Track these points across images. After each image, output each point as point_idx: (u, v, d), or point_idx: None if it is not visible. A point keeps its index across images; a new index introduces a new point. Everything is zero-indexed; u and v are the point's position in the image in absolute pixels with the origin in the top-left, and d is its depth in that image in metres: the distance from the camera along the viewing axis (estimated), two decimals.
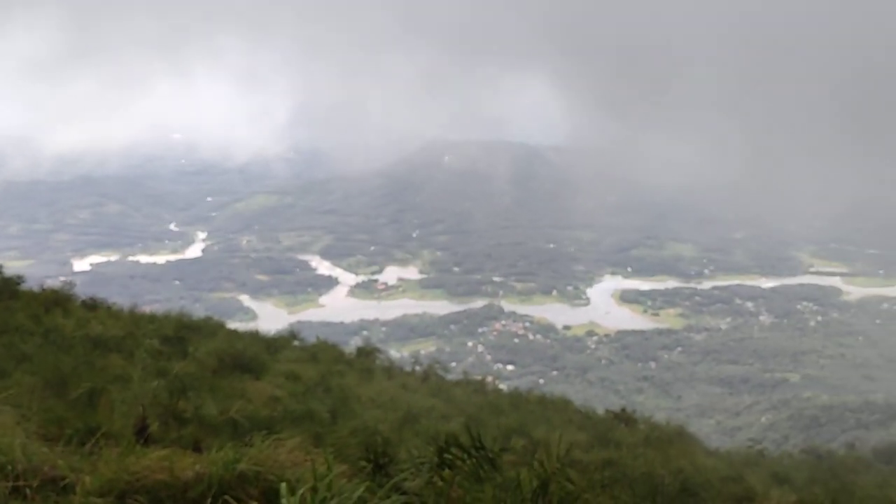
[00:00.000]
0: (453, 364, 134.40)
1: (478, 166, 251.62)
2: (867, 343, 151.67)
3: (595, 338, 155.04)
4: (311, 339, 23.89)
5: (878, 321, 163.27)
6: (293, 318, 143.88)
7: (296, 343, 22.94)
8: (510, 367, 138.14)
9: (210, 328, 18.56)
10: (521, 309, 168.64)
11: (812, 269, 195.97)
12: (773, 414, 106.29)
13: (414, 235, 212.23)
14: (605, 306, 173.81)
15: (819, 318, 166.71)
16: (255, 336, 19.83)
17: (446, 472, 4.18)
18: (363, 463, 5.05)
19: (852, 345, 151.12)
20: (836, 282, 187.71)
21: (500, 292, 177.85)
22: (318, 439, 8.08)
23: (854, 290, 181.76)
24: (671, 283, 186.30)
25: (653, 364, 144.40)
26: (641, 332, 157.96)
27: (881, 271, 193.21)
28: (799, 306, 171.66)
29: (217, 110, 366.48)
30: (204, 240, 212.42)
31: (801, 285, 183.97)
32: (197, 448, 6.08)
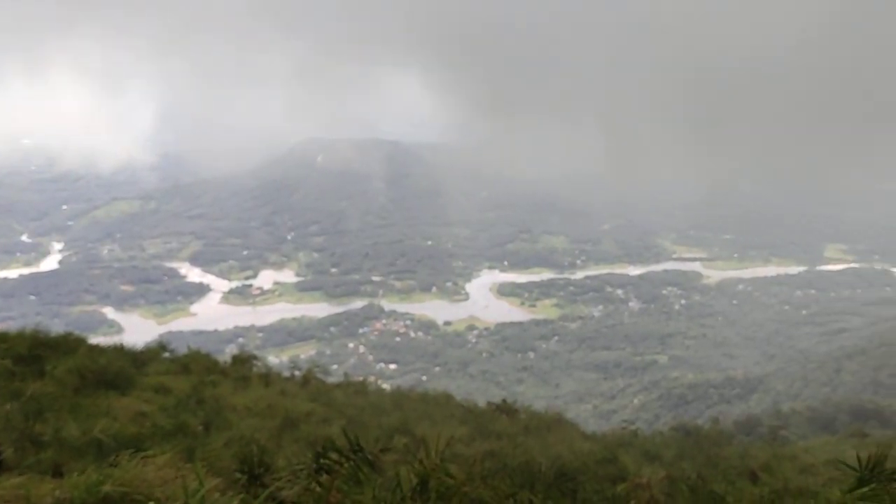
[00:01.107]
0: (334, 367, 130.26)
1: (352, 165, 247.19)
2: (726, 323, 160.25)
3: (475, 332, 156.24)
4: (183, 350, 20.68)
5: (734, 302, 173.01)
6: (163, 329, 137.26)
7: (165, 355, 20.22)
8: (393, 366, 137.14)
9: (70, 344, 16.08)
10: (402, 307, 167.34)
11: (675, 256, 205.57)
12: (645, 395, 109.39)
13: (289, 238, 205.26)
14: (484, 300, 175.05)
15: (683, 301, 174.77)
16: (119, 350, 17.26)
17: (324, 477, 4.02)
18: (238, 475, 4.70)
19: (713, 325, 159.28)
20: (696, 267, 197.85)
21: (380, 292, 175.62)
22: (190, 454, 7.55)
23: (713, 274, 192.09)
24: (546, 275, 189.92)
25: (532, 354, 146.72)
26: (520, 324, 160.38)
27: (736, 255, 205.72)
28: (664, 291, 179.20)
29: (74, 114, 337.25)
30: (60, 251, 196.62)
31: (666, 271, 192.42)
32: (57, 473, 5.99)
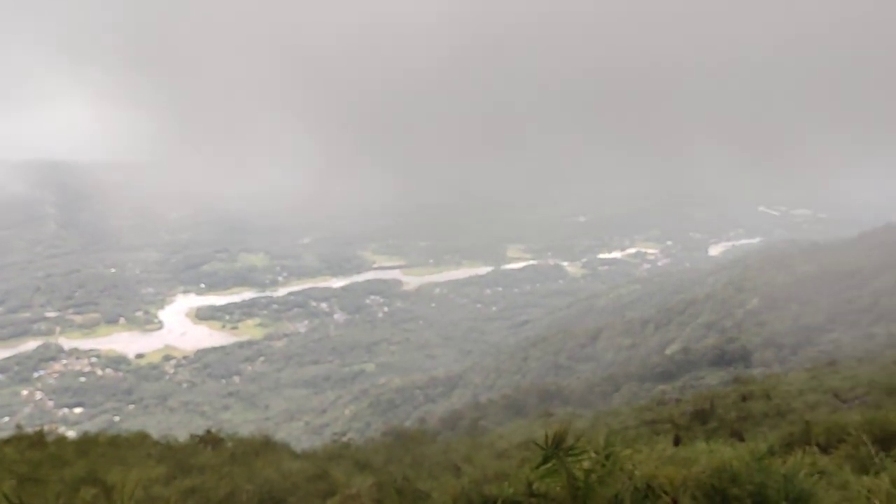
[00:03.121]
0: (5, 419, 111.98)
1: (14, 190, 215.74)
2: (426, 325, 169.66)
3: (173, 362, 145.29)
4: None
5: (433, 305, 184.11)
6: None
7: None
8: (78, 410, 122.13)
9: None
10: (85, 343, 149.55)
11: (376, 266, 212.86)
12: (356, 405, 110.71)
13: None
14: (180, 327, 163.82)
15: (386, 308, 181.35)
16: None
17: None
18: None
19: (415, 329, 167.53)
20: (396, 274, 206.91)
21: (57, 328, 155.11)
22: None
23: (412, 280, 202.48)
24: (247, 294, 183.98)
25: (237, 378, 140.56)
26: (222, 348, 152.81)
27: (432, 260, 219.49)
28: (368, 301, 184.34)
29: None
30: None
31: (368, 281, 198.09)
32: None
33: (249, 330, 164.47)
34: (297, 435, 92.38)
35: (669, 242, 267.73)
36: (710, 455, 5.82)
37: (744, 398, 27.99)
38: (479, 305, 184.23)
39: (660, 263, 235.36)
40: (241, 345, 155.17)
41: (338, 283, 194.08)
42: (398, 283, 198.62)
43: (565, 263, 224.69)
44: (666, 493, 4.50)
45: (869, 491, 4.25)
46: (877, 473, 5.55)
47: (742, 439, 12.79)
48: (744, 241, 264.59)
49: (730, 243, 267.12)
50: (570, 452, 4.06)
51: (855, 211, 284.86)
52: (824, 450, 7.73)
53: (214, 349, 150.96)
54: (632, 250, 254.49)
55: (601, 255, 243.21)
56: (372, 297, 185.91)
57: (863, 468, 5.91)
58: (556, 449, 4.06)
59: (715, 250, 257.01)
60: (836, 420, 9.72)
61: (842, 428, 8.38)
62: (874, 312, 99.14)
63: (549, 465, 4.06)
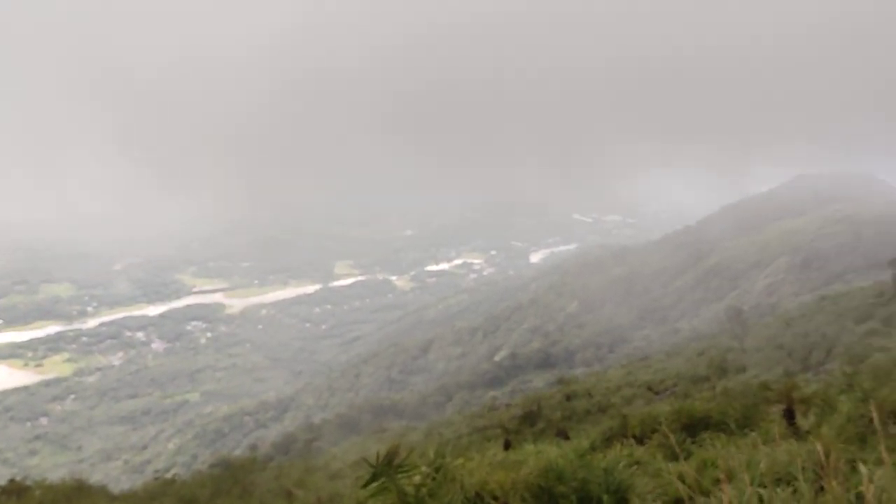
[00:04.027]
0: None
1: None
2: (254, 349, 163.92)
3: None
4: None
5: (260, 327, 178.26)
6: None
7: None
8: None
9: None
10: None
11: (196, 290, 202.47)
12: (180, 437, 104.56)
13: None
14: None
15: (209, 334, 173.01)
16: None
17: None
18: None
19: (241, 353, 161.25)
20: (219, 297, 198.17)
21: None
22: None
23: (236, 303, 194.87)
24: (52, 328, 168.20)
25: (44, 420, 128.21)
26: (25, 389, 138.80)
27: (256, 281, 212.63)
28: (189, 327, 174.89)
29: None
30: None
31: (189, 306, 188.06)
32: None
33: (56, 366, 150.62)
34: (116, 476, 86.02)
35: (493, 252, 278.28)
36: (537, 456, 5.96)
37: (568, 398, 29.54)
38: (308, 324, 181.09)
39: (485, 273, 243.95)
40: (47, 383, 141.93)
41: (155, 310, 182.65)
42: (221, 306, 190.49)
43: (394, 277, 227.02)
44: (496, 498, 4.54)
45: (679, 476, 4.50)
46: (685, 459, 5.97)
47: (567, 437, 13.39)
48: (561, 248, 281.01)
49: (549, 250, 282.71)
50: (399, 469, 3.95)
51: (659, 215, 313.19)
52: (640, 441, 8.24)
53: (16, 390, 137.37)
54: (458, 261, 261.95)
55: (429, 268, 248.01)
56: (193, 322, 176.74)
57: (673, 455, 6.33)
58: (387, 466, 3.94)
59: (536, 257, 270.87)
60: (650, 412, 10.42)
61: (654, 419, 8.97)
62: (678, 309, 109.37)
63: (378, 483, 3.95)
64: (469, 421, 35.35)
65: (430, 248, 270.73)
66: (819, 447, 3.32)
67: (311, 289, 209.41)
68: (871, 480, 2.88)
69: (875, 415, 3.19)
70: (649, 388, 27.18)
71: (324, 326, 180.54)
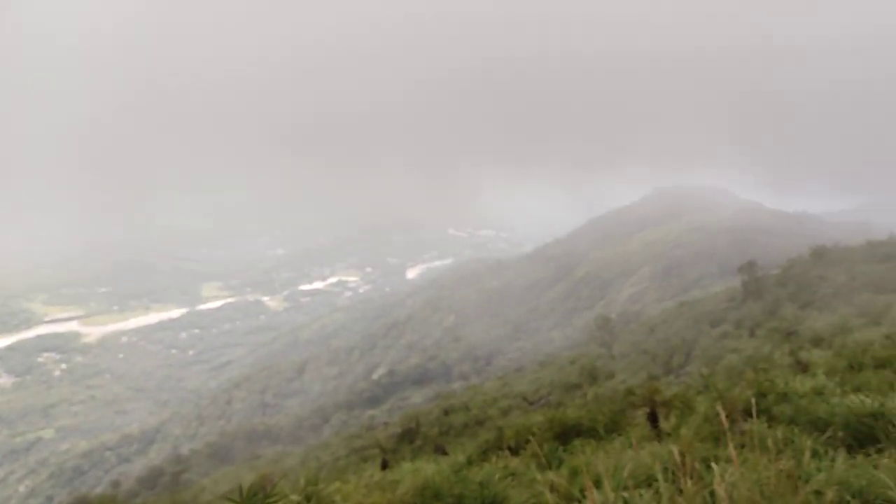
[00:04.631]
0: None
1: None
2: (115, 379, 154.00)
3: None
4: None
5: (120, 356, 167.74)
6: None
7: None
8: None
9: None
10: None
11: (48, 318, 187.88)
12: (33, 478, 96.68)
13: None
14: None
15: (64, 366, 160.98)
16: None
17: None
18: None
19: (101, 384, 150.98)
20: (74, 326, 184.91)
21: None
22: None
23: (94, 331, 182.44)
24: None
25: None
26: None
27: (116, 307, 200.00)
28: (40, 359, 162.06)
29: None
30: None
31: (40, 336, 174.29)
32: None
33: None
34: None
35: (369, 269, 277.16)
36: (414, 474, 5.92)
37: (446, 412, 29.76)
38: (174, 351, 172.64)
39: (361, 290, 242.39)
40: None
41: (1, 341, 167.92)
42: (77, 335, 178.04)
43: (266, 298, 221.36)
44: None
45: (550, 485, 4.60)
46: (558, 467, 6.13)
47: (445, 453, 13.45)
48: (437, 263, 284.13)
49: (425, 265, 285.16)
50: (267, 500, 3.78)
51: (529, 229, 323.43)
52: (515, 452, 8.39)
53: None
54: (333, 279, 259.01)
55: (302, 287, 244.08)
56: (46, 353, 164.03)
57: (547, 464, 6.49)
58: (253, 499, 3.76)
59: (412, 273, 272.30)
60: (524, 422, 10.64)
61: (528, 429, 9.17)
62: (551, 319, 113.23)
63: None
64: (347, 442, 34.87)
65: (304, 267, 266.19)
66: (674, 449, 3.48)
67: (176, 313, 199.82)
68: (722, 478, 3.05)
69: (723, 415, 3.38)
70: (525, 399, 27.89)
71: (191, 352, 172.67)
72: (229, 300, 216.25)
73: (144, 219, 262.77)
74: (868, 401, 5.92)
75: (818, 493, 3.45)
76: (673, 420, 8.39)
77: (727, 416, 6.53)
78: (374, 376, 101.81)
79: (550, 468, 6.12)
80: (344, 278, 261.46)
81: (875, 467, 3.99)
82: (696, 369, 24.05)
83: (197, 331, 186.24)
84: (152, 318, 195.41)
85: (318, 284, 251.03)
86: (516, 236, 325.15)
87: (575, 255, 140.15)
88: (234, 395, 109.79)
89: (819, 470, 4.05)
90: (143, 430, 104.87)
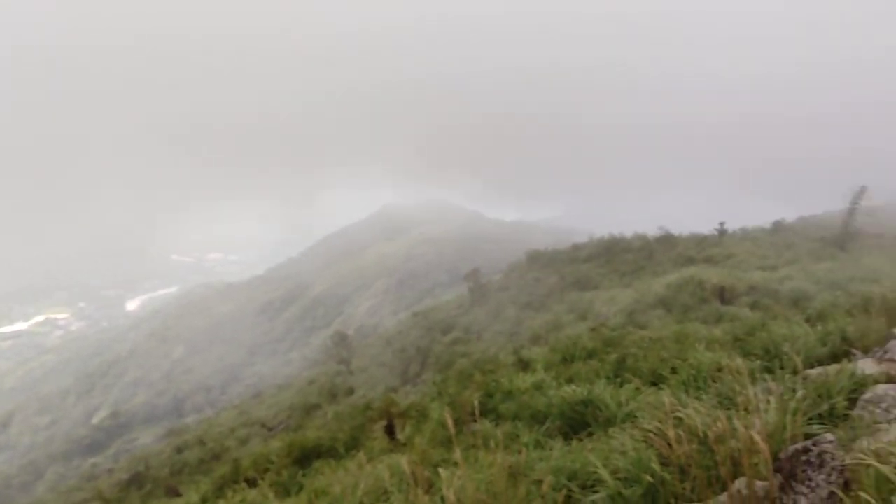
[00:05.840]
0: None
1: None
2: None
3: None
4: None
5: None
6: None
7: None
8: None
9: None
10: None
11: None
12: None
13: None
14: None
15: None
16: None
17: None
18: None
19: None
20: None
21: None
22: None
23: None
24: None
25: None
26: None
27: None
28: None
29: None
30: None
31: None
32: None
33: None
34: None
35: (82, 304, 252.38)
36: None
37: (179, 450, 27.77)
38: None
39: (74, 328, 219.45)
40: None
41: None
42: None
43: None
44: None
45: None
46: (297, 493, 5.99)
47: (179, 494, 12.51)
48: (161, 292, 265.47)
49: (147, 295, 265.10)
50: None
51: (263, 251, 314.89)
52: (253, 483, 8.04)
53: None
54: (39, 318, 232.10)
55: (2, 330, 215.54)
56: None
57: (286, 491, 6.32)
58: None
59: (133, 305, 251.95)
60: (262, 450, 10.27)
61: (266, 457, 8.86)
62: (288, 340, 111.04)
63: None
64: (65, 497, 31.03)
65: (2, 307, 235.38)
66: (404, 460, 3.57)
67: None
68: (450, 482, 3.17)
69: (450, 420, 3.55)
70: (264, 426, 27.07)
71: None
72: None
73: None
74: (579, 390, 6.62)
75: (538, 482, 3.74)
76: (408, 430, 8.66)
77: (459, 420, 6.92)
78: (95, 420, 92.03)
79: (290, 495, 5.96)
80: (53, 316, 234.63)
81: (588, 451, 4.43)
82: (430, 377, 25.18)
83: None
84: None
85: (20, 325, 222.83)
86: (247, 258, 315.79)
87: (309, 274, 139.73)
88: None
89: (541, 460, 4.42)
90: None
